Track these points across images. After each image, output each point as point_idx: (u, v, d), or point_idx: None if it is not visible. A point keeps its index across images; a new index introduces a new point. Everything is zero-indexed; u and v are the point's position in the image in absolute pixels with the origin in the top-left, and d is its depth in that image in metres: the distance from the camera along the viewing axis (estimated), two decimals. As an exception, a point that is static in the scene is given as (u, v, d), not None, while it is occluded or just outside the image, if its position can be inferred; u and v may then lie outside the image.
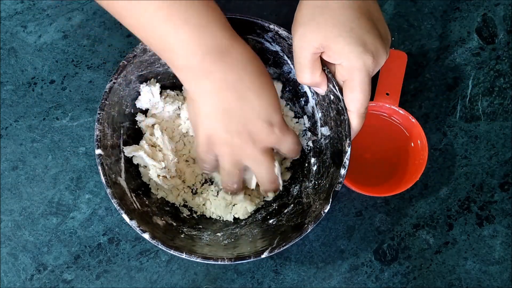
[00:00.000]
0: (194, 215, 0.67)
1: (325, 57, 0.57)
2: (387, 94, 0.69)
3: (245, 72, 0.54)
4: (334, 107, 0.61)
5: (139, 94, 0.65)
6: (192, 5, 0.50)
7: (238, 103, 0.54)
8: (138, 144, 0.66)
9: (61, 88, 0.73)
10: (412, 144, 0.70)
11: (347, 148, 0.59)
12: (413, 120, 0.68)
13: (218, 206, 0.67)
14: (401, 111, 0.69)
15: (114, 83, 0.60)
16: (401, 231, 0.70)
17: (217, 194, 0.68)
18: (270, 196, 0.65)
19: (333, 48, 0.55)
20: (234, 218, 0.67)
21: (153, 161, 0.64)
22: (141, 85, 0.65)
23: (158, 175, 0.65)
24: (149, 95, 0.65)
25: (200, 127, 0.57)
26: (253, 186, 0.64)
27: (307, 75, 0.59)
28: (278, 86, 0.70)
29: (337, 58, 0.56)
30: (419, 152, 0.68)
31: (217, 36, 0.52)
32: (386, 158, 0.71)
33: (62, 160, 0.71)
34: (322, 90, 0.61)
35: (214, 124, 0.55)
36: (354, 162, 0.68)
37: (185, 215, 0.67)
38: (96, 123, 0.59)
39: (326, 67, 0.59)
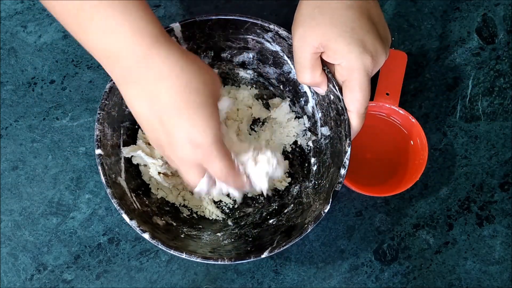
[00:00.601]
0: (194, 215, 0.67)
1: (324, 57, 0.57)
2: (387, 94, 0.69)
3: (165, 85, 0.49)
4: (334, 107, 0.61)
5: None
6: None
7: (163, 119, 0.50)
8: (136, 144, 0.66)
9: (61, 88, 0.73)
10: (412, 143, 0.70)
11: (347, 148, 0.59)
12: (413, 120, 0.68)
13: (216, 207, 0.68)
14: (401, 111, 0.69)
15: (114, 83, 0.60)
16: (401, 231, 0.70)
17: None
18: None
19: (333, 48, 0.55)
20: (235, 218, 0.67)
21: (152, 159, 0.64)
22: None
23: (159, 173, 0.65)
24: None
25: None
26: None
27: (308, 75, 0.59)
28: (285, 104, 0.70)
29: (336, 58, 0.56)
30: (419, 152, 0.68)
31: (134, 33, 0.48)
32: (386, 158, 0.71)
33: (62, 160, 0.71)
34: (322, 90, 0.61)
35: (148, 133, 0.53)
36: (354, 162, 0.68)
37: (185, 215, 0.67)
38: (96, 123, 0.59)
39: (326, 67, 0.59)
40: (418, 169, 0.67)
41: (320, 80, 0.59)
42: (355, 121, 0.58)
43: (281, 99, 0.71)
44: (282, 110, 0.70)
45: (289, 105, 0.71)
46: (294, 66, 0.61)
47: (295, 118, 0.70)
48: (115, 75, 0.51)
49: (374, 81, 0.70)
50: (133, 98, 0.51)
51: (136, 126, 0.66)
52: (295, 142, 0.71)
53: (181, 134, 0.50)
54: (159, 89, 0.49)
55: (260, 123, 0.72)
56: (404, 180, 0.68)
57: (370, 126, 0.70)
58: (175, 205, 0.67)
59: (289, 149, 0.70)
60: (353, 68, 0.55)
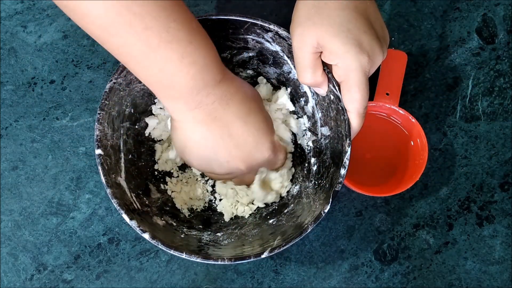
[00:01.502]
0: (194, 215, 0.67)
1: (322, 58, 0.57)
2: (387, 94, 0.69)
3: (233, 101, 0.56)
4: (334, 107, 0.61)
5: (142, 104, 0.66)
6: (192, 44, 0.50)
7: (226, 129, 0.56)
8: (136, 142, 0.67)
9: (61, 88, 0.73)
10: (412, 144, 0.70)
11: (347, 148, 0.59)
12: (413, 120, 0.68)
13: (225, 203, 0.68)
14: (401, 111, 0.69)
15: (114, 83, 0.60)
16: (401, 231, 0.70)
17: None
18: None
19: (329, 48, 0.55)
20: (235, 218, 0.67)
21: None
22: (146, 119, 0.67)
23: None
24: (155, 124, 0.67)
25: (190, 156, 0.59)
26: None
27: (309, 75, 0.59)
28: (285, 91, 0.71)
29: (333, 59, 0.56)
30: (419, 152, 0.68)
31: (214, 72, 0.53)
32: (386, 158, 0.71)
33: (62, 160, 0.71)
34: (323, 90, 0.61)
35: (203, 151, 0.57)
36: (354, 162, 0.68)
37: (185, 215, 0.67)
38: (96, 123, 0.59)
39: (326, 67, 0.59)
40: (418, 169, 0.67)
41: (321, 80, 0.59)
42: (354, 121, 0.58)
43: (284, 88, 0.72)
44: (282, 100, 0.70)
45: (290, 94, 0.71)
46: (294, 66, 0.61)
47: (296, 117, 0.71)
48: (189, 102, 0.54)
49: (374, 81, 0.70)
50: (198, 125, 0.55)
51: (136, 126, 0.66)
52: (295, 142, 0.71)
53: (248, 141, 0.58)
54: (230, 104, 0.56)
55: None
56: (404, 180, 0.68)
57: (370, 126, 0.70)
58: (175, 205, 0.67)
59: (291, 150, 0.71)
60: (350, 69, 0.55)
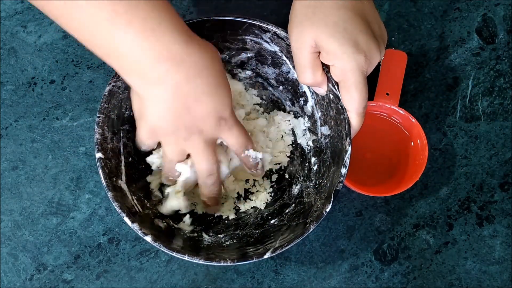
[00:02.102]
0: (195, 216, 0.67)
1: (320, 58, 0.57)
2: (387, 94, 0.69)
3: (201, 78, 0.52)
4: (334, 106, 0.61)
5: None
6: (138, 5, 0.47)
7: (192, 105, 0.53)
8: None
9: (61, 88, 0.73)
10: (412, 144, 0.70)
11: (347, 147, 0.59)
12: (413, 120, 0.68)
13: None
14: (401, 111, 0.69)
15: (113, 86, 0.60)
16: (401, 231, 0.70)
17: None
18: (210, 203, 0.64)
19: (326, 49, 0.55)
20: (235, 219, 0.67)
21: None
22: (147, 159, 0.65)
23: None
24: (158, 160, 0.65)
25: (144, 121, 0.56)
26: (222, 177, 0.63)
27: (308, 75, 0.59)
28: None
29: (330, 59, 0.56)
30: (419, 152, 0.68)
31: (169, 42, 0.50)
32: (386, 158, 0.71)
33: (62, 160, 0.71)
34: (323, 90, 0.61)
35: (161, 121, 0.54)
36: (354, 162, 0.68)
37: (186, 217, 0.66)
38: (96, 127, 0.59)
39: (325, 67, 0.59)
40: (418, 169, 0.67)
41: (320, 80, 0.59)
42: (354, 120, 0.58)
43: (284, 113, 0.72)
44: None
45: (288, 104, 0.71)
46: (293, 66, 0.61)
47: (295, 118, 0.71)
48: (134, 76, 0.51)
49: (374, 81, 0.70)
50: (156, 94, 0.52)
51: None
52: (295, 142, 0.71)
53: (208, 111, 0.54)
54: (198, 82, 0.52)
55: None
56: (404, 180, 0.68)
57: (370, 126, 0.70)
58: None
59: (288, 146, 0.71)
60: (347, 69, 0.55)
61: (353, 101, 0.56)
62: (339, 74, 0.56)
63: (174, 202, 0.63)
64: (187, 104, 0.52)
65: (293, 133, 0.71)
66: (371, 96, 0.70)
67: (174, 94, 0.52)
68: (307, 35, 0.55)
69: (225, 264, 0.56)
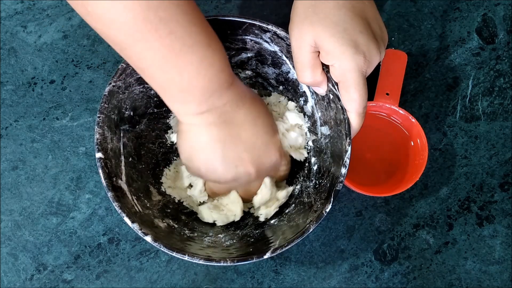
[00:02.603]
0: (195, 216, 0.67)
1: (320, 58, 0.57)
2: (387, 94, 0.69)
3: (243, 103, 0.55)
4: (334, 106, 0.61)
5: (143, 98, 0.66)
6: (210, 47, 0.50)
7: (235, 131, 0.55)
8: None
9: (61, 88, 0.73)
10: (412, 143, 0.70)
11: (347, 147, 0.59)
12: (413, 120, 0.68)
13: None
14: (401, 111, 0.69)
15: (113, 86, 0.60)
16: (401, 231, 0.70)
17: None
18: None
19: (326, 49, 0.55)
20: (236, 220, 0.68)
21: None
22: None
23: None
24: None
25: (196, 161, 0.57)
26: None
27: (308, 75, 0.59)
28: (291, 104, 0.71)
29: (329, 59, 0.56)
30: (419, 152, 0.68)
31: (227, 74, 0.52)
32: (386, 158, 0.71)
33: (62, 160, 0.71)
34: (322, 90, 0.61)
35: (212, 154, 0.56)
36: (354, 162, 0.69)
37: (186, 217, 0.66)
38: (96, 127, 0.59)
39: (325, 67, 0.59)
40: (418, 169, 0.67)
41: (320, 79, 0.59)
42: (354, 120, 0.58)
43: (279, 95, 0.71)
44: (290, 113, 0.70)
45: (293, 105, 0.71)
46: (293, 66, 0.61)
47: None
48: (201, 104, 0.53)
49: (374, 81, 0.70)
50: (208, 127, 0.54)
51: (136, 128, 0.66)
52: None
53: (257, 143, 0.58)
54: (240, 106, 0.55)
55: None
56: (404, 180, 0.68)
57: (370, 126, 0.70)
58: (176, 208, 0.67)
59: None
60: (347, 69, 0.55)
61: (352, 101, 0.56)
62: (338, 75, 0.56)
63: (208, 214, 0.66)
64: (231, 128, 0.56)
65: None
66: (371, 96, 0.70)
67: (221, 117, 0.55)
68: (307, 35, 0.55)
69: (225, 264, 0.56)
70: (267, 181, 0.64)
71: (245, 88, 0.57)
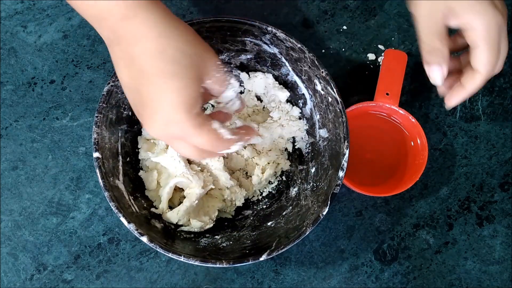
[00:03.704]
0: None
1: (452, 22, 0.56)
2: (387, 94, 0.69)
3: (139, 51, 0.48)
4: (332, 109, 0.61)
5: None
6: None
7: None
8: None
9: (61, 88, 0.73)
10: (412, 143, 0.70)
11: (345, 150, 0.59)
12: (413, 120, 0.68)
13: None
14: (401, 111, 0.69)
15: (112, 86, 0.60)
16: (401, 231, 0.70)
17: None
18: None
19: (463, 9, 0.54)
20: (233, 220, 0.68)
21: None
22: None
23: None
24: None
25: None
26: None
27: (439, 43, 0.57)
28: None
29: (469, 18, 0.54)
30: (419, 152, 0.68)
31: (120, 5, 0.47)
32: (386, 158, 0.71)
33: (62, 160, 0.71)
34: (442, 69, 0.59)
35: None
36: (354, 162, 0.69)
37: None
38: (94, 126, 0.59)
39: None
40: (418, 169, 0.67)
41: (446, 52, 0.58)
42: (478, 82, 0.57)
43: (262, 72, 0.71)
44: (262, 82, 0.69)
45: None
46: (291, 68, 0.59)
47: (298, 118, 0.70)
48: (103, 36, 0.49)
49: (374, 81, 0.70)
50: (115, 61, 0.49)
51: (134, 129, 0.66)
52: (293, 144, 0.71)
53: (154, 105, 0.48)
54: (134, 52, 0.47)
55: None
56: (404, 180, 0.68)
57: (370, 126, 0.71)
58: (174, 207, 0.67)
59: (286, 147, 0.71)
60: (491, 25, 0.54)
61: (487, 63, 0.55)
62: (480, 33, 0.54)
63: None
64: None
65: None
66: (371, 96, 0.70)
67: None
68: (439, 3, 0.55)
69: (221, 266, 0.56)
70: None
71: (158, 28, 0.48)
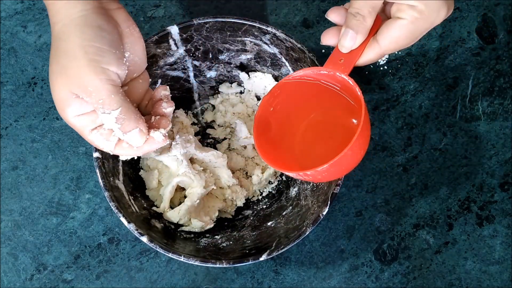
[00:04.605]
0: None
1: None
2: (341, 60, 0.56)
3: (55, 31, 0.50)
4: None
5: None
6: None
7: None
8: None
9: (61, 88, 0.73)
10: (355, 121, 0.60)
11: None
12: (359, 93, 0.54)
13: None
14: (351, 82, 0.54)
15: None
16: (401, 231, 0.70)
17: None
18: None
19: None
20: (233, 220, 0.68)
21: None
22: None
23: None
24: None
25: None
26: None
27: (371, 17, 0.52)
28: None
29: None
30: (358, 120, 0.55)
31: None
32: (325, 131, 0.63)
33: (62, 160, 0.71)
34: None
35: None
36: (287, 139, 0.62)
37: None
38: None
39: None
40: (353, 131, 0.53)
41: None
42: (372, 55, 0.54)
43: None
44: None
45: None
46: (292, 68, 0.58)
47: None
48: None
49: (374, 81, 0.70)
50: None
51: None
52: None
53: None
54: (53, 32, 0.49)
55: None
56: (335, 148, 0.54)
57: (314, 99, 0.61)
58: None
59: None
60: (430, 22, 0.51)
61: (393, 42, 0.52)
62: (406, 13, 0.50)
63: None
64: None
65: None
66: (370, 96, 0.69)
67: None
68: None
69: (221, 266, 0.56)
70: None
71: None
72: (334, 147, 0.55)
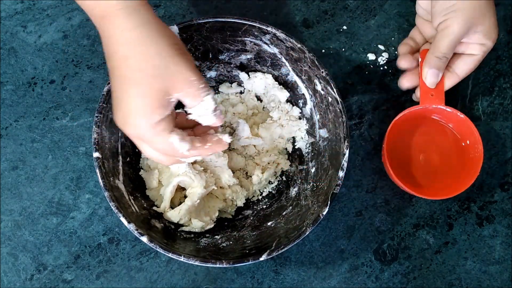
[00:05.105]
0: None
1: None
2: (432, 95, 0.68)
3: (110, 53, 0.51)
4: (332, 109, 0.61)
5: None
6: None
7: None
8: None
9: (61, 88, 0.73)
10: (463, 144, 0.70)
11: (345, 150, 0.59)
12: (462, 115, 0.67)
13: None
14: (448, 109, 0.68)
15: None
16: (401, 231, 0.70)
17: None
18: None
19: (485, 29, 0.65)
20: (233, 220, 0.67)
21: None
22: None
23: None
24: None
25: None
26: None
27: (450, 55, 0.66)
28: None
29: (482, 40, 0.66)
30: (473, 147, 0.68)
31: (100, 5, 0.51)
32: (440, 159, 0.70)
33: (62, 160, 0.71)
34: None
35: None
36: (409, 166, 0.69)
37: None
38: (94, 126, 0.59)
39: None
40: (475, 164, 0.67)
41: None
42: (450, 84, 0.68)
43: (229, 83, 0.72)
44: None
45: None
46: (292, 68, 0.59)
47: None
48: None
49: (374, 81, 0.69)
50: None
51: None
52: (292, 144, 0.71)
53: (118, 105, 0.51)
54: (108, 52, 0.50)
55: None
56: (462, 177, 0.68)
57: (420, 130, 0.71)
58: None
59: (286, 147, 0.71)
60: (487, 51, 0.66)
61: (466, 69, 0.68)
62: (479, 51, 0.66)
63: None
64: None
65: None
66: (371, 96, 0.70)
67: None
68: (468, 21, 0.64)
69: (221, 266, 0.56)
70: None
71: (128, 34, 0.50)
72: (450, 165, 0.70)
